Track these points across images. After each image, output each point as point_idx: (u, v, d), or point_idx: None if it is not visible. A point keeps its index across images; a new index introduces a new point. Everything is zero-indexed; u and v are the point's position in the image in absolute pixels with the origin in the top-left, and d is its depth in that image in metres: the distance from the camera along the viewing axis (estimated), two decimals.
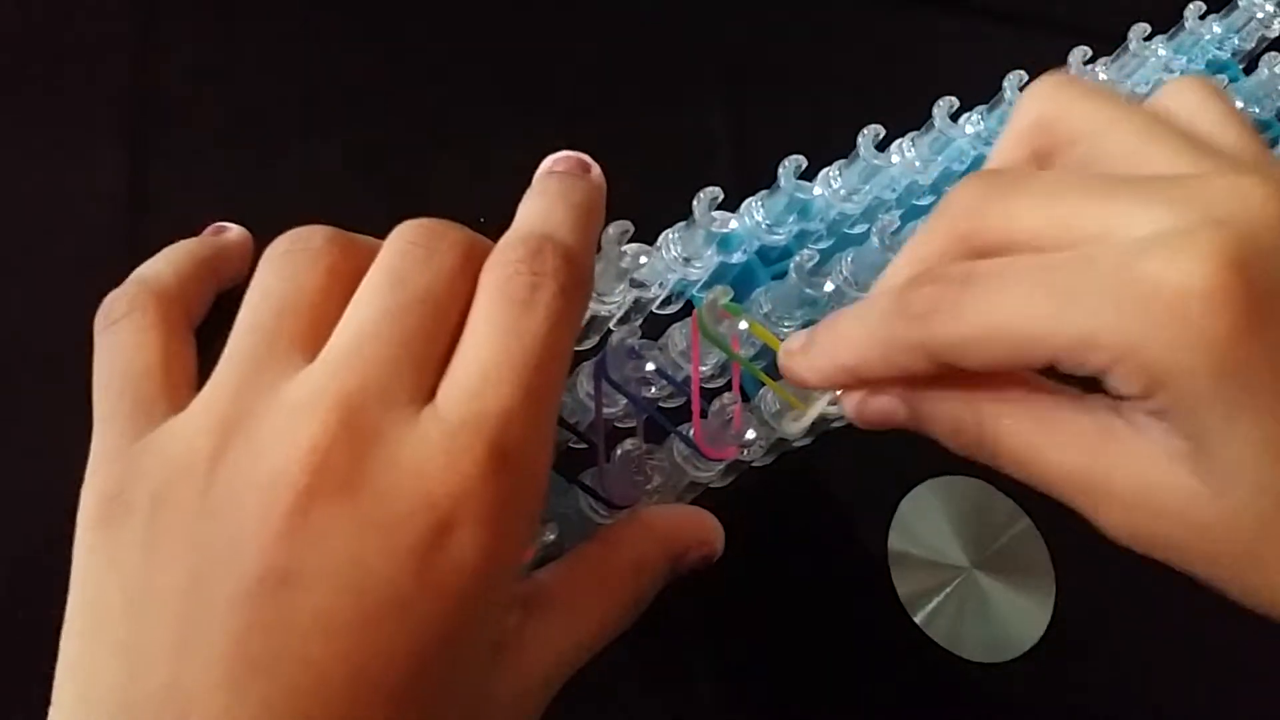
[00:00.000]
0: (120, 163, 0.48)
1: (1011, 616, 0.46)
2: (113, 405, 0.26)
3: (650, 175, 0.50)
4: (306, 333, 0.25)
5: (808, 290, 0.39)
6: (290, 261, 0.27)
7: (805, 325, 0.40)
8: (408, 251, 0.26)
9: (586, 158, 0.31)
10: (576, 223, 0.28)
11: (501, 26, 0.55)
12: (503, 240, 0.27)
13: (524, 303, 0.25)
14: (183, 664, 0.22)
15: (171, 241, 0.47)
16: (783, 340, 0.30)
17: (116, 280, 0.45)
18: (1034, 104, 0.28)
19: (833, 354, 0.28)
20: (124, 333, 0.27)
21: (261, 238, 0.28)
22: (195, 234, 0.33)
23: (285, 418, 0.24)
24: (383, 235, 0.28)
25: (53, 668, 0.24)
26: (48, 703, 0.24)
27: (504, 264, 0.26)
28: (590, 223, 0.29)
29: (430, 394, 0.25)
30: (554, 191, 0.29)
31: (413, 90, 0.52)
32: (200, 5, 0.53)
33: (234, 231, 0.33)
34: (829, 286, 0.40)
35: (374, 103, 0.52)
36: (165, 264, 0.29)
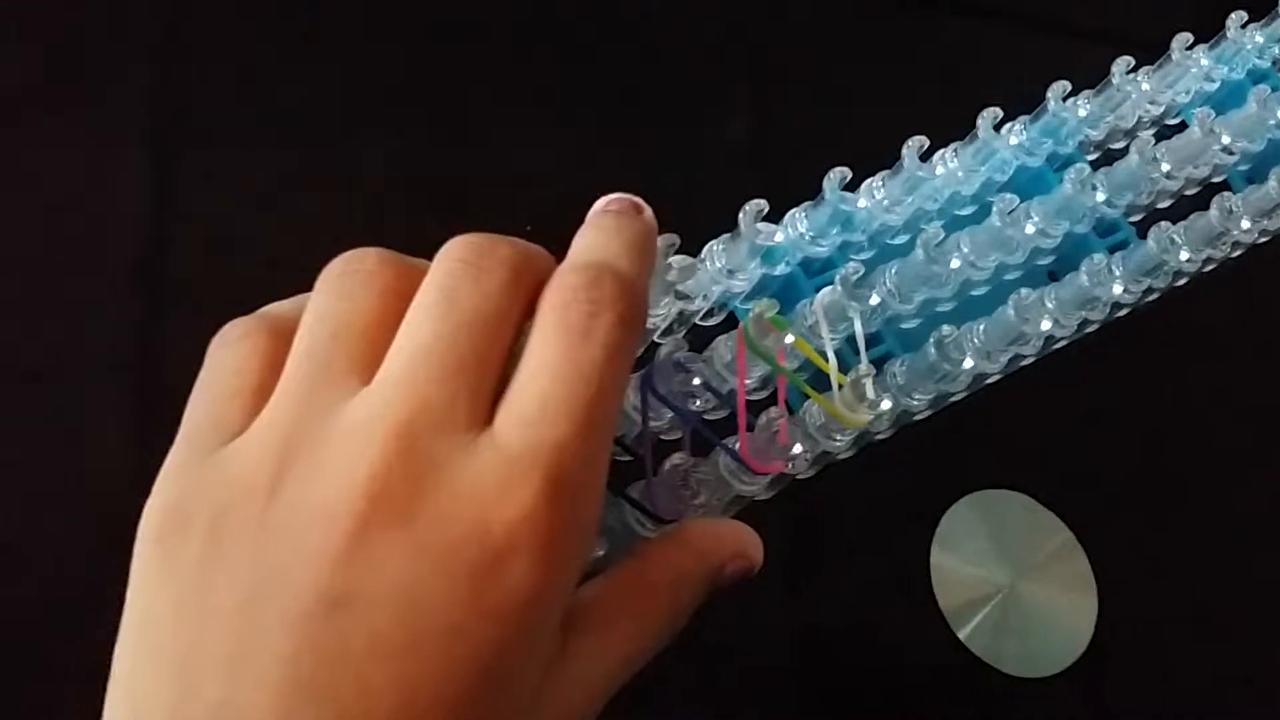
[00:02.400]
0: (148, 171, 0.48)
1: (1054, 631, 0.45)
2: (195, 422, 0.26)
3: (688, 184, 0.50)
4: (363, 355, 0.26)
5: (854, 302, 0.39)
6: (345, 284, 0.27)
7: (849, 340, 0.40)
8: (457, 270, 0.26)
9: (639, 200, 0.31)
10: (633, 256, 0.28)
11: (543, 34, 0.55)
12: (560, 268, 0.27)
13: (582, 331, 0.26)
14: (235, 683, 0.22)
15: (204, 250, 0.47)
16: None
17: (146, 288, 0.46)
18: None
19: None
20: (230, 356, 0.27)
21: (298, 243, 0.28)
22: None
23: (344, 444, 0.24)
24: (424, 245, 0.28)
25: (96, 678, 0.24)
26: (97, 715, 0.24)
27: (562, 290, 0.26)
28: (645, 257, 0.29)
29: (486, 416, 0.25)
30: (609, 226, 0.29)
31: (452, 98, 0.53)
32: (233, 13, 0.53)
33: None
34: (875, 299, 0.39)
35: (413, 111, 0.52)
36: (292, 305, 0.29)
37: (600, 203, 0.31)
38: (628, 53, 0.56)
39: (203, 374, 0.27)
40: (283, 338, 0.27)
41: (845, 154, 0.44)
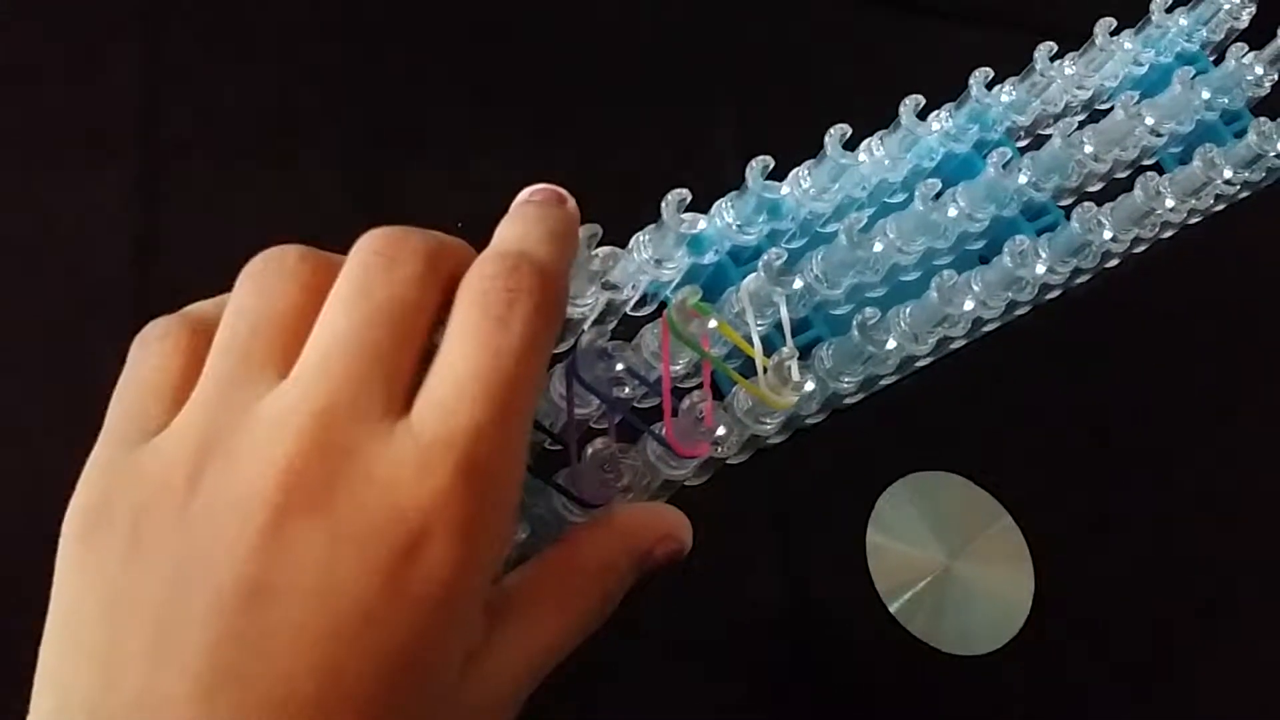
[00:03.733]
0: (125, 179, 0.49)
1: (989, 611, 0.46)
2: (117, 420, 0.27)
3: (641, 181, 0.50)
4: (281, 350, 0.26)
5: (778, 288, 0.39)
6: (265, 281, 0.27)
7: (778, 327, 0.40)
8: (371, 262, 0.27)
9: (562, 190, 0.32)
10: (552, 245, 0.29)
11: (484, 32, 0.56)
12: (480, 257, 0.28)
13: (499, 319, 0.26)
14: (156, 674, 0.22)
15: (177, 258, 0.48)
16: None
17: (122, 298, 0.46)
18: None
19: None
20: (150, 354, 0.27)
21: (250, 249, 0.28)
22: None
23: (260, 436, 0.24)
24: None
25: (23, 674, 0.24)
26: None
27: (480, 279, 0.27)
28: (565, 246, 0.29)
29: (403, 404, 0.25)
30: (530, 216, 0.30)
31: (395, 99, 0.53)
32: (195, 19, 0.53)
33: None
34: (798, 283, 0.40)
35: (357, 113, 0.52)
36: (215, 305, 0.29)
37: (524, 193, 0.32)
38: (614, 54, 0.56)
39: (125, 372, 0.28)
40: (203, 335, 0.27)
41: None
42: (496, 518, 0.26)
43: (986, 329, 0.47)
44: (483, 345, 0.26)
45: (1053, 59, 0.48)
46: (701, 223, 0.40)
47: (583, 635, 0.29)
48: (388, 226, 0.28)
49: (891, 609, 0.45)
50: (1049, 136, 0.47)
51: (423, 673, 0.24)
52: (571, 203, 0.32)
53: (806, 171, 0.43)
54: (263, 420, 0.25)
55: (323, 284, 0.27)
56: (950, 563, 0.46)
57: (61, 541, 0.25)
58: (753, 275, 0.40)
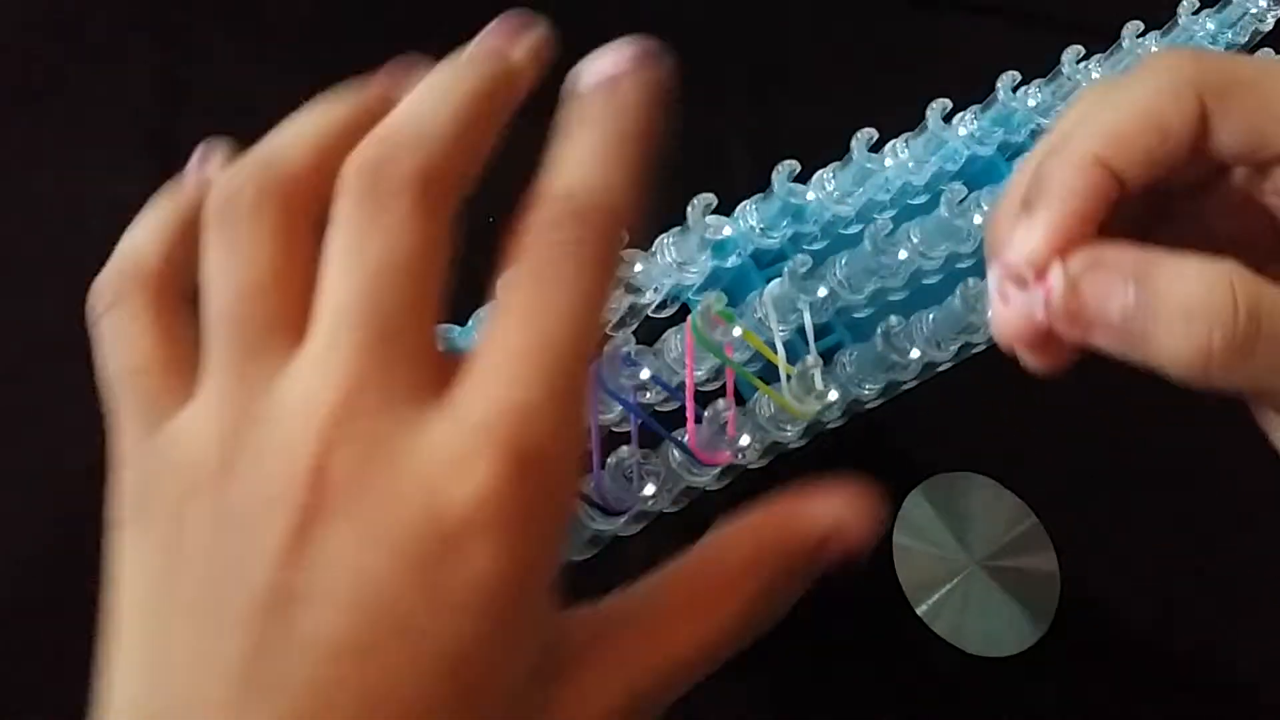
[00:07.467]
0: (144, 166, 0.49)
1: (1014, 612, 0.46)
2: (119, 403, 0.25)
3: (663, 179, 0.50)
4: (279, 310, 0.23)
5: (803, 295, 0.39)
6: (231, 232, 0.24)
7: (800, 331, 0.40)
8: (353, 214, 0.23)
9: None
10: (613, 163, 0.24)
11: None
12: (529, 203, 0.24)
13: (547, 279, 0.22)
14: (196, 679, 0.22)
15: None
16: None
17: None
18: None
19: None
20: (115, 326, 0.25)
21: None
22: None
23: (283, 428, 0.22)
24: None
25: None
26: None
27: (525, 232, 0.23)
28: (627, 153, 0.24)
29: (433, 380, 0.22)
30: (589, 119, 0.25)
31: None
32: (218, 12, 0.54)
33: (214, 164, 0.29)
34: (822, 291, 0.40)
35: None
36: (145, 236, 0.26)
37: (591, 72, 0.26)
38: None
39: (105, 355, 0.25)
40: (162, 294, 0.25)
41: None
42: (550, 511, 0.22)
43: None
44: (529, 311, 0.22)
45: (1079, 61, 0.48)
46: (727, 228, 0.40)
47: (720, 656, 0.25)
48: (366, 148, 0.23)
49: (918, 610, 0.45)
50: None
51: (472, 688, 0.22)
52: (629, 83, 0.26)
53: (831, 175, 0.43)
54: (284, 409, 0.23)
55: (295, 220, 0.24)
56: (976, 564, 0.46)
57: (111, 529, 0.24)
58: (777, 280, 0.40)
